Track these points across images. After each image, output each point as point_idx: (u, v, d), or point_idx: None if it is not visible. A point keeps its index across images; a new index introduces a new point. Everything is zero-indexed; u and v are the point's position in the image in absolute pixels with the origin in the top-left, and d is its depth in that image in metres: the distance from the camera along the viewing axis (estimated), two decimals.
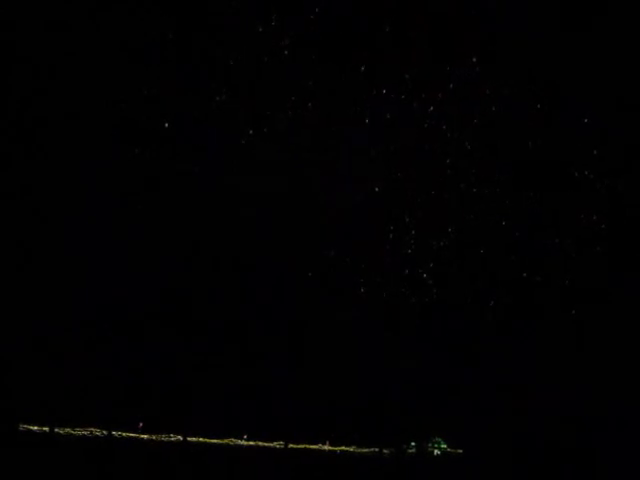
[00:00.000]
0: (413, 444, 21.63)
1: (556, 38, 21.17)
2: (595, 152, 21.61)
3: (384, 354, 21.10)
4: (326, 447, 21.19)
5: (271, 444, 20.84)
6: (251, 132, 21.75)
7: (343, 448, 21.28)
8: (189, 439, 20.34)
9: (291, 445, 20.93)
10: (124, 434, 20.03)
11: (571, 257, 21.65)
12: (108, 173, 21.23)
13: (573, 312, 21.30)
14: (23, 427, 19.36)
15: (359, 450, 21.34)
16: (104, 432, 19.83)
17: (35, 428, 19.36)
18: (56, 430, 19.62)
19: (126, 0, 20.61)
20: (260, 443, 20.81)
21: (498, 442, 20.96)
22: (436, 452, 21.58)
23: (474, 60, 21.75)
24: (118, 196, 21.30)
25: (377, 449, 21.52)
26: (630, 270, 21.16)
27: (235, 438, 20.78)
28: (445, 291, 21.91)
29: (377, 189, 22.42)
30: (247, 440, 20.75)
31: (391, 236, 22.44)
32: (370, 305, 21.44)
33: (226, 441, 20.60)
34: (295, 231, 21.87)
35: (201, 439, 20.46)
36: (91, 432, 19.78)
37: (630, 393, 20.49)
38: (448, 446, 21.70)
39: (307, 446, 21.08)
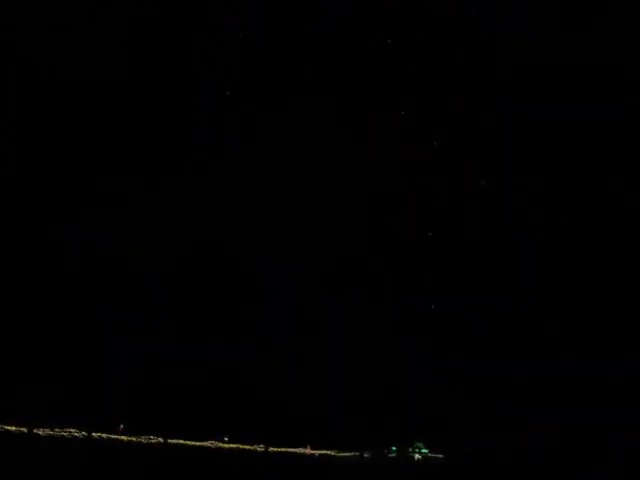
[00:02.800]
0: (394, 448, 21.60)
1: (556, 38, 21.12)
2: (595, 152, 21.50)
3: (365, 357, 21.11)
4: (307, 450, 21.22)
5: (252, 447, 20.87)
6: (251, 132, 21.83)
7: (324, 452, 21.28)
8: (170, 441, 20.37)
9: (272, 448, 20.97)
10: (104, 435, 20.03)
11: (570, 256, 21.56)
12: (108, 173, 21.36)
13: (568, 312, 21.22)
14: (1, 428, 19.18)
15: (340, 454, 21.34)
16: (84, 433, 19.81)
17: (13, 429, 19.38)
18: (35, 431, 19.62)
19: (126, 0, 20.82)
20: (241, 446, 20.83)
21: (479, 446, 20.91)
22: (417, 457, 21.54)
23: (473, 60, 21.73)
24: (118, 195, 21.41)
25: (358, 453, 21.51)
26: (629, 268, 21.06)
27: (216, 440, 20.82)
28: (437, 292, 21.87)
29: (377, 189, 22.40)
30: (228, 443, 20.77)
31: (392, 235, 22.41)
32: (355, 308, 21.44)
33: (207, 443, 20.64)
34: (295, 231, 21.89)
35: (182, 441, 20.48)
36: (70, 433, 19.77)
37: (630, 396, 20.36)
38: (429, 451, 21.65)
39: (288, 449, 21.12)
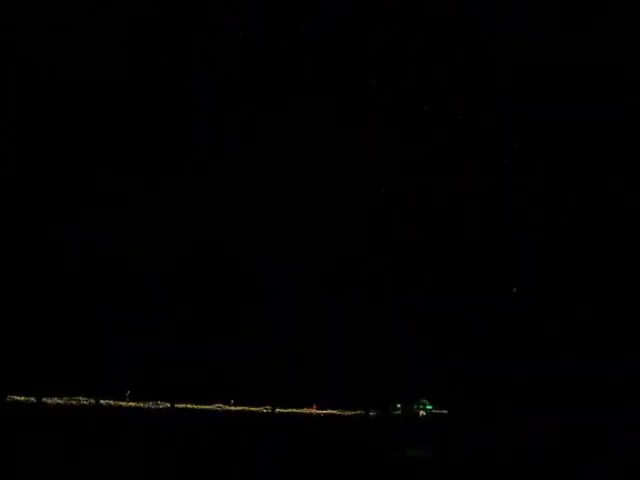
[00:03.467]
0: (399, 406, 21.78)
1: (556, 38, 21.13)
2: (595, 152, 21.52)
3: (369, 317, 21.22)
4: (313, 410, 21.42)
5: (258, 408, 21.12)
6: (251, 132, 21.85)
7: (329, 411, 21.48)
8: (177, 405, 20.61)
9: (278, 409, 21.22)
10: (112, 402, 20.29)
11: (570, 256, 21.59)
12: (108, 173, 21.37)
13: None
14: (10, 398, 19.39)
15: (345, 412, 21.54)
16: (92, 401, 20.06)
17: (22, 398, 19.63)
18: (43, 400, 19.86)
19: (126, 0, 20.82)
20: (247, 408, 21.08)
21: (483, 402, 21.08)
22: (422, 413, 21.71)
23: (473, 60, 21.74)
24: (118, 196, 21.43)
25: (363, 411, 21.70)
26: (629, 267, 21.10)
27: (223, 403, 21.06)
28: (437, 292, 21.93)
29: (377, 189, 22.42)
30: (235, 405, 21.01)
31: (392, 235, 22.43)
32: (355, 308, 21.51)
33: (214, 407, 20.88)
34: (295, 231, 21.92)
35: (189, 405, 20.73)
36: (79, 401, 20.03)
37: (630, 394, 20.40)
38: (434, 407, 21.83)
39: (294, 410, 21.35)
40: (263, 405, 21.13)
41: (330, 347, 21.27)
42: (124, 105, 21.24)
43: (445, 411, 21.52)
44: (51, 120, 20.95)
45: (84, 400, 20.16)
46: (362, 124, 21.95)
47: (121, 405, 20.41)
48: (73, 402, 20.05)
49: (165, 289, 21.52)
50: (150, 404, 20.62)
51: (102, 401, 20.32)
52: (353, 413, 21.48)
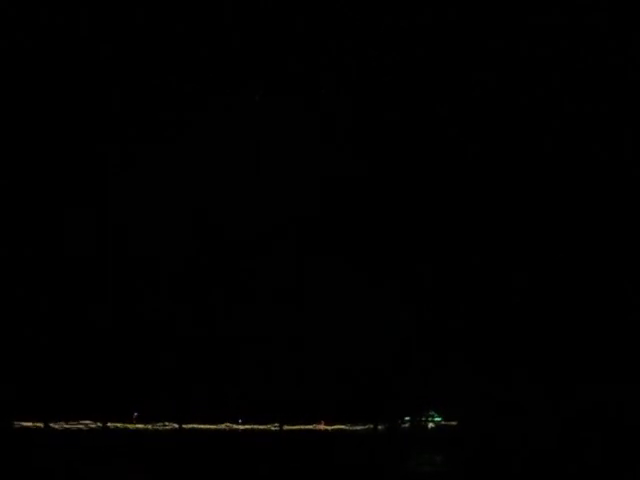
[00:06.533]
0: (407, 419, 21.81)
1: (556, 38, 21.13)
2: (595, 152, 21.52)
3: (374, 329, 21.29)
4: (321, 426, 21.46)
5: (267, 426, 21.17)
6: (249, 131, 21.88)
7: (337, 427, 21.53)
8: (185, 426, 20.68)
9: (286, 426, 21.27)
10: (120, 425, 20.35)
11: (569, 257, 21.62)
12: (108, 173, 21.45)
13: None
14: (17, 424, 19.55)
15: (353, 427, 21.59)
16: (99, 424, 20.14)
17: (30, 424, 19.73)
18: (51, 425, 19.96)
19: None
20: (256, 426, 21.14)
21: (491, 412, 21.10)
22: (431, 425, 21.74)
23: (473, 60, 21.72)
24: (118, 198, 21.49)
25: (372, 426, 21.73)
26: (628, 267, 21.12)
27: (230, 423, 21.15)
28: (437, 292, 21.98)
29: (376, 189, 22.43)
30: (243, 424, 21.09)
31: (391, 235, 22.46)
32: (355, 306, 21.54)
33: (222, 426, 20.95)
34: (295, 230, 21.98)
35: (197, 425, 20.81)
36: (86, 425, 20.14)
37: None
38: (442, 419, 21.87)
39: (302, 427, 21.40)
40: (271, 423, 21.17)
41: (319, 327, 21.23)
42: (123, 104, 21.33)
43: (454, 422, 21.51)
44: (51, 120, 21.05)
45: (92, 424, 20.25)
46: (362, 123, 22.02)
47: (128, 427, 20.52)
48: (81, 426, 20.18)
49: (165, 287, 21.58)
50: (158, 425, 20.67)
51: (109, 424, 20.44)
52: (361, 428, 21.48)
